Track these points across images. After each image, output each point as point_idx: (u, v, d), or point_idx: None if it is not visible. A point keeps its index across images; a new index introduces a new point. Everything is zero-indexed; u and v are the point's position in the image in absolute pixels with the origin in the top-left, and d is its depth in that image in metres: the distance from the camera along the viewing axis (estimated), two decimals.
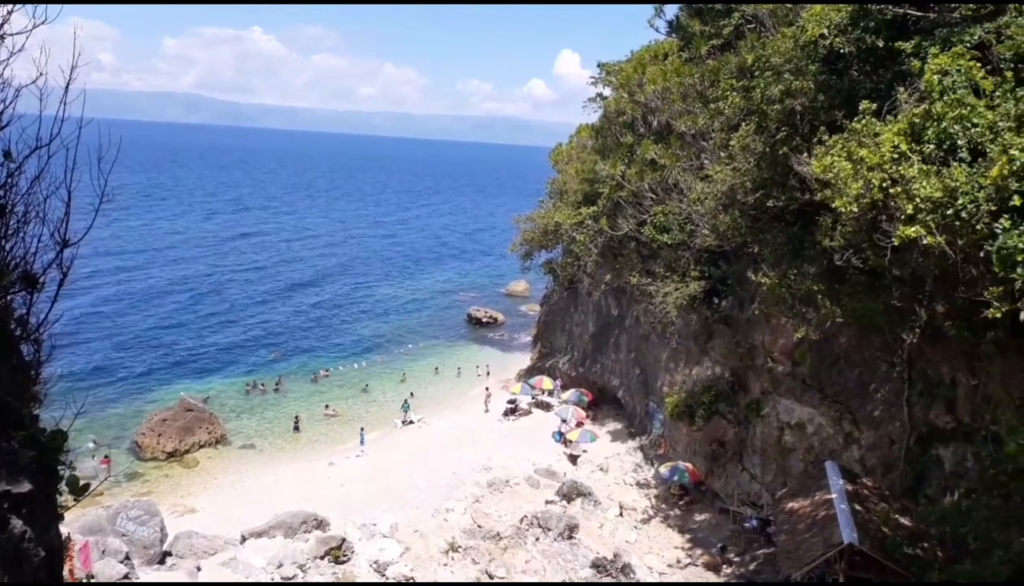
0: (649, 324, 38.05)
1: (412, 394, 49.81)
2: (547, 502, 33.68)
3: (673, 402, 34.41)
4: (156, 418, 41.83)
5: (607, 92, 47.62)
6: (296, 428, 44.51)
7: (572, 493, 33.90)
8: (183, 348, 58.02)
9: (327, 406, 47.61)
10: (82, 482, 4.75)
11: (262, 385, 51.00)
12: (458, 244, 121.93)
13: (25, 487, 3.90)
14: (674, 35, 40.16)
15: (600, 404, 46.79)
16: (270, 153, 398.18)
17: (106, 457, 37.97)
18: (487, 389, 50.49)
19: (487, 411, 47.86)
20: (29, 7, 4.35)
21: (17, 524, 3.81)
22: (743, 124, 24.27)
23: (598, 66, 47.90)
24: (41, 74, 4.46)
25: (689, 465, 33.72)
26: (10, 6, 4.32)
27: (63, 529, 4.71)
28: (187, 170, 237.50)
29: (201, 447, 41.26)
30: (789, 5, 25.67)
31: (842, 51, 20.29)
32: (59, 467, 4.57)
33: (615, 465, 38.78)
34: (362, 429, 43.14)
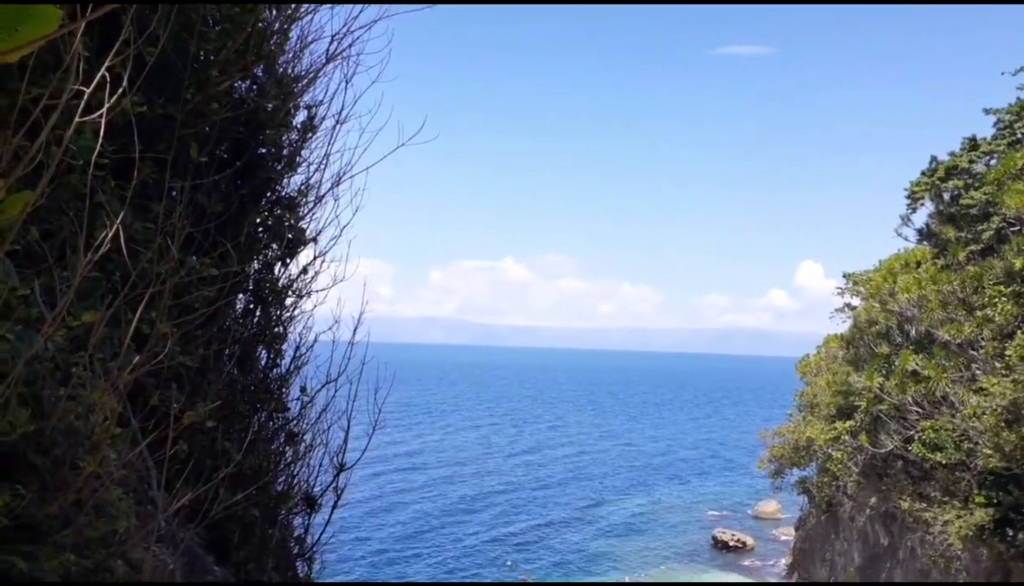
0: (929, 558, 33.21)
1: None
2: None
3: None
4: None
5: (855, 302, 45.73)
6: None
7: None
8: (427, 557, 59.90)
9: None
10: None
11: None
12: (699, 459, 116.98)
13: None
14: (925, 243, 38.41)
15: None
16: (518, 369, 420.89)
17: None
18: None
19: None
20: (331, 267, 5.06)
21: None
22: (1019, 332, 22.11)
23: (844, 276, 46.55)
24: (336, 321, 5.15)
25: None
26: (317, 268, 5.09)
27: None
28: (445, 386, 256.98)
29: None
30: None
31: None
32: None
33: None
34: None
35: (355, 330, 5.18)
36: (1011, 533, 28.17)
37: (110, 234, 2.38)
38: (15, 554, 1.95)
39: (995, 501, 28.35)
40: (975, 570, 30.25)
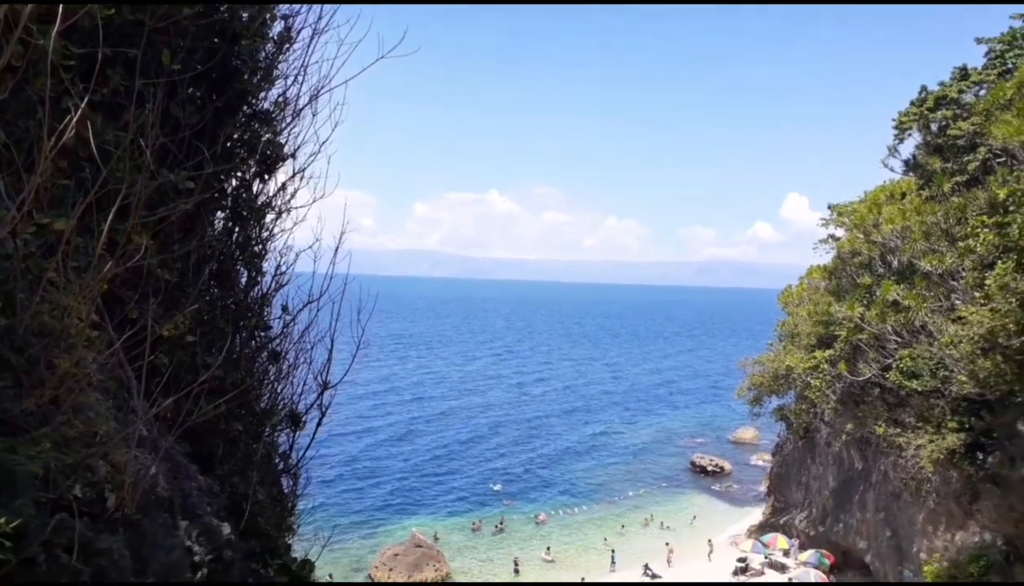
0: (900, 480, 34.33)
1: (613, 551, 48.03)
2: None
3: (933, 571, 30.25)
4: (389, 552, 43.99)
5: (839, 233, 45.95)
6: (516, 571, 44.60)
7: None
8: (415, 482, 61.32)
9: (547, 549, 47.41)
10: None
11: (497, 524, 52.09)
12: (680, 388, 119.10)
13: None
14: (911, 173, 38.38)
15: (844, 568, 42.09)
16: (502, 302, 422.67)
17: None
18: (709, 541, 47.92)
19: (710, 561, 45.57)
20: (309, 184, 5.02)
21: None
22: (999, 262, 22.33)
23: (829, 207, 46.62)
24: (317, 240, 5.06)
25: None
26: (296, 185, 5.02)
27: None
28: (431, 319, 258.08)
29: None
30: None
31: None
32: None
33: None
34: (583, 578, 42.26)
35: (336, 250, 5.10)
36: (981, 457, 29.08)
37: (71, 130, 2.33)
38: None
39: (967, 426, 29.16)
40: (944, 492, 31.33)
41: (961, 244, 26.26)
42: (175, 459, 3.59)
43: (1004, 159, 27.19)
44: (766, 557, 44.61)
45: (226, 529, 3.81)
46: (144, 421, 2.96)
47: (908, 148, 40.26)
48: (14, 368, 2.19)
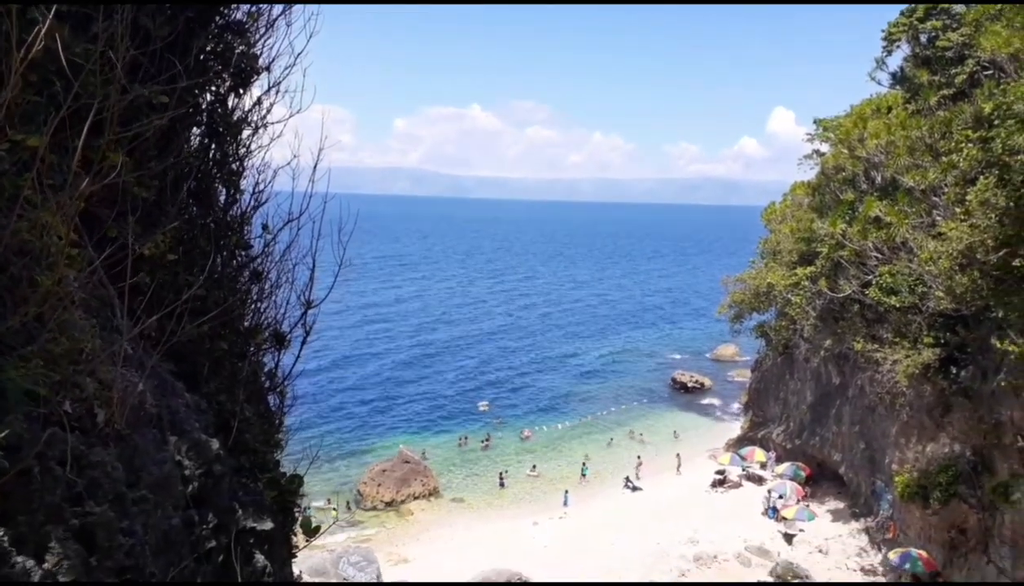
0: (876, 394, 35.28)
1: (588, 456, 50.51)
2: (759, 583, 31.85)
3: (904, 482, 31.40)
4: (376, 468, 45.03)
5: (824, 148, 45.72)
6: (501, 485, 45.94)
7: (787, 575, 31.82)
8: (403, 402, 62.30)
9: (533, 467, 48.70)
10: (314, 524, 5.06)
11: (483, 441, 53.29)
12: (663, 306, 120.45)
13: (267, 525, 4.17)
14: (898, 87, 37.96)
15: (819, 480, 43.65)
16: (487, 222, 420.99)
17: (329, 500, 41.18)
18: (678, 455, 49.83)
19: (679, 475, 47.63)
20: (286, 99, 4.91)
21: (260, 559, 4.05)
22: (981, 177, 22.39)
23: (814, 122, 46.24)
24: (295, 157, 4.98)
25: (923, 553, 30.41)
26: (272, 99, 4.93)
27: (294, 568, 5.12)
28: (414, 239, 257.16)
29: (415, 498, 43.67)
30: None
31: None
32: (295, 509, 4.95)
33: (836, 548, 35.85)
34: (566, 491, 43.60)
35: (315, 167, 5.03)
36: (955, 371, 29.83)
37: (41, 42, 2.26)
38: None
39: (942, 341, 29.79)
40: (918, 405, 32.28)
41: (944, 159, 26.26)
42: (161, 377, 3.63)
43: (992, 72, 26.94)
44: (744, 470, 46.10)
45: (215, 445, 3.89)
46: (129, 339, 2.98)
47: (896, 61, 39.75)
48: None
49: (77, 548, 2.14)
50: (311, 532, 5.05)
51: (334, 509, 40.65)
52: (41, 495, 2.10)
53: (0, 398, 2.07)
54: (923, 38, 35.16)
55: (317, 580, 28.65)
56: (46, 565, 2.05)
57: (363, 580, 30.12)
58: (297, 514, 5.03)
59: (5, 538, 2.00)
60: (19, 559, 1.96)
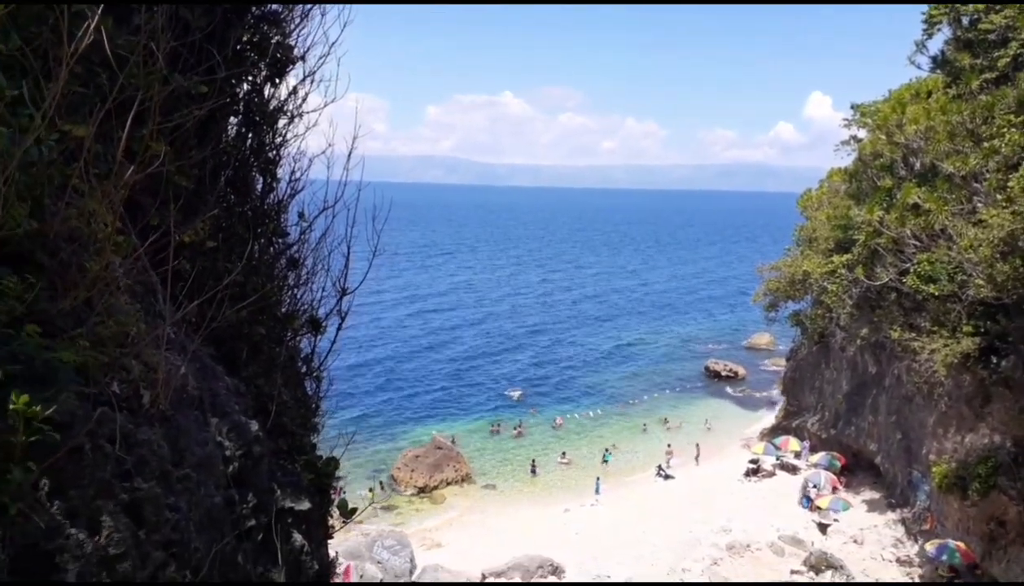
0: (913, 384, 34.69)
1: (615, 445, 50.50)
2: (792, 572, 31.62)
3: (942, 472, 30.91)
4: (410, 454, 45.51)
5: (862, 134, 44.89)
6: (533, 472, 46.14)
7: (821, 565, 31.53)
8: (437, 389, 62.78)
9: (563, 454, 48.79)
10: (350, 506, 5.14)
11: (516, 428, 53.54)
12: (697, 294, 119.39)
13: (305, 505, 4.28)
14: (939, 71, 37.02)
15: (854, 470, 43.13)
16: (521, 210, 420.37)
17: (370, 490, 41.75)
18: (697, 446, 49.65)
19: (697, 466, 47.45)
20: (320, 88, 4.96)
21: (298, 538, 4.16)
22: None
23: (852, 108, 45.41)
24: (330, 145, 5.04)
25: (961, 544, 29.94)
26: (307, 88, 5.01)
27: (330, 549, 5.22)
28: (449, 227, 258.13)
29: (448, 484, 44.07)
30: None
31: None
32: (331, 491, 5.05)
33: (871, 538, 35.43)
34: (598, 478, 43.65)
35: (349, 155, 5.08)
36: (995, 361, 29.21)
37: (90, 36, 2.34)
38: (33, 343, 2.08)
39: (982, 330, 29.17)
40: (956, 395, 31.71)
41: (986, 145, 25.64)
42: (203, 360, 3.74)
43: None
44: (777, 459, 45.71)
45: (254, 427, 3.99)
46: (171, 324, 3.08)
47: (937, 44, 38.74)
48: (48, 271, 2.29)
49: (127, 521, 2.24)
50: (348, 514, 5.14)
51: (371, 490, 41.19)
52: (92, 471, 2.19)
53: (52, 377, 2.17)
54: (965, 20, 34.16)
55: (351, 562, 29.10)
56: (98, 539, 2.15)
57: (398, 563, 30.54)
58: (334, 496, 5.12)
59: (58, 512, 2.09)
60: (73, 531, 2.06)
